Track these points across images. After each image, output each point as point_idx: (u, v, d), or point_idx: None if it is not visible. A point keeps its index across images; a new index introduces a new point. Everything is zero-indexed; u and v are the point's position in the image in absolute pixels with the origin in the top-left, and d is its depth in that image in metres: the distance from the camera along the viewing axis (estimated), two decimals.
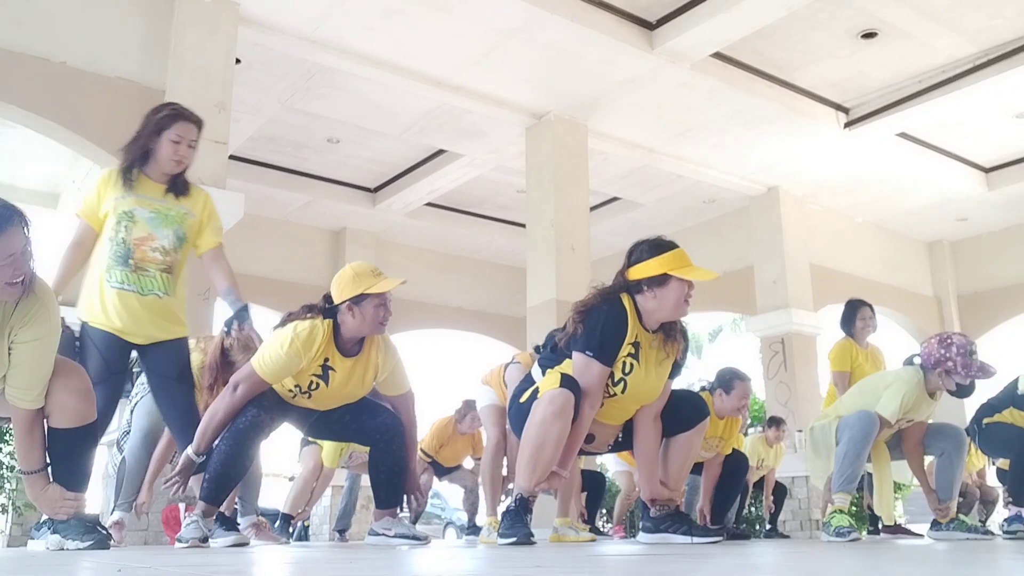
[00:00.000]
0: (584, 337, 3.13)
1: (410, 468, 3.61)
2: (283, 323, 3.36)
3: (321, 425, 3.67)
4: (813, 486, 6.37)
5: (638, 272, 3.14)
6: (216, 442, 3.37)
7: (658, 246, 3.18)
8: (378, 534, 3.60)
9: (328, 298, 3.36)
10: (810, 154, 8.59)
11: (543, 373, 3.26)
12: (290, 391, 3.42)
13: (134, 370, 4.68)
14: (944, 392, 4.19)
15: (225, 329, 3.59)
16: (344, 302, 3.28)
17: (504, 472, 4.90)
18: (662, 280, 3.10)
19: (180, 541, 3.35)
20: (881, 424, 4.05)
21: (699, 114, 7.73)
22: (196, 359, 3.83)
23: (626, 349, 3.15)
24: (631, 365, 3.16)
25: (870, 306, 5.86)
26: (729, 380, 4.88)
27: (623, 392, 3.20)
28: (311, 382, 3.37)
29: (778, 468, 7.47)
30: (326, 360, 3.34)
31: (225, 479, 3.36)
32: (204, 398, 3.76)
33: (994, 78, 7.07)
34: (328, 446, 5.80)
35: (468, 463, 6.84)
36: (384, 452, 3.53)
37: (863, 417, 4.04)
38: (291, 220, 10.16)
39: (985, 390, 4.57)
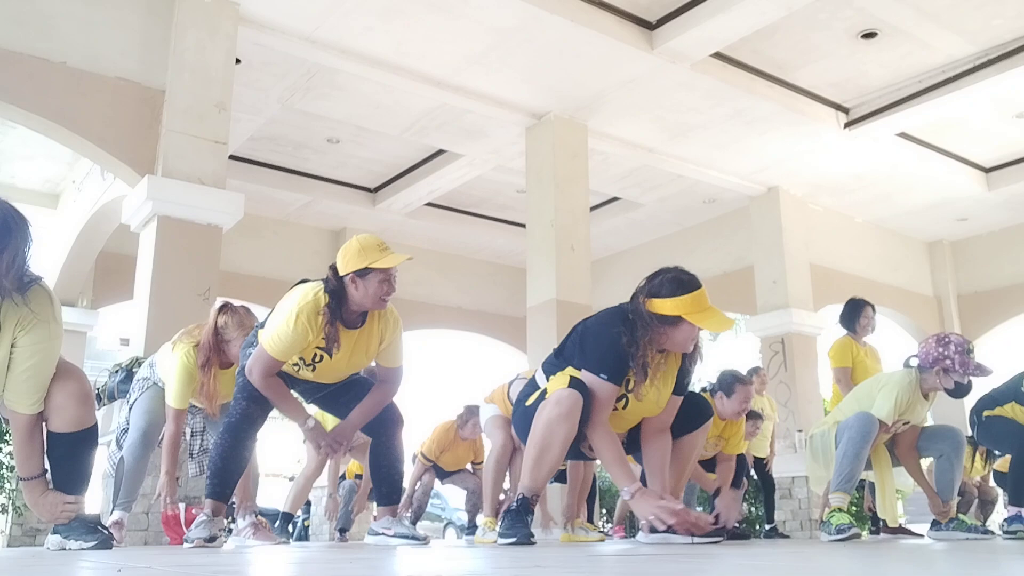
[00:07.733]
0: (595, 358, 3.13)
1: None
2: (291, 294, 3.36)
3: (329, 401, 3.68)
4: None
5: (653, 306, 3.09)
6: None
7: (679, 284, 3.10)
8: (378, 533, 3.62)
9: (334, 269, 3.32)
10: (810, 154, 8.59)
11: (547, 379, 3.26)
12: (295, 365, 3.39)
13: (133, 370, 4.70)
14: (938, 394, 4.21)
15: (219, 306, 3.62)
16: (348, 275, 3.24)
17: (506, 484, 4.91)
18: (675, 320, 3.07)
19: (188, 541, 3.36)
20: (880, 426, 4.06)
21: (699, 114, 7.73)
22: (187, 343, 3.86)
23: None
24: (634, 382, 3.16)
25: (872, 306, 5.88)
26: (731, 384, 4.85)
27: (624, 408, 3.23)
28: (315, 355, 3.34)
29: (777, 448, 7.43)
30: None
31: (226, 473, 3.41)
32: (199, 378, 3.79)
33: (994, 78, 7.07)
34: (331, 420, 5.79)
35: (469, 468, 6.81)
36: (386, 446, 3.59)
37: (861, 418, 4.05)
38: (291, 220, 10.16)
39: (986, 383, 4.56)
